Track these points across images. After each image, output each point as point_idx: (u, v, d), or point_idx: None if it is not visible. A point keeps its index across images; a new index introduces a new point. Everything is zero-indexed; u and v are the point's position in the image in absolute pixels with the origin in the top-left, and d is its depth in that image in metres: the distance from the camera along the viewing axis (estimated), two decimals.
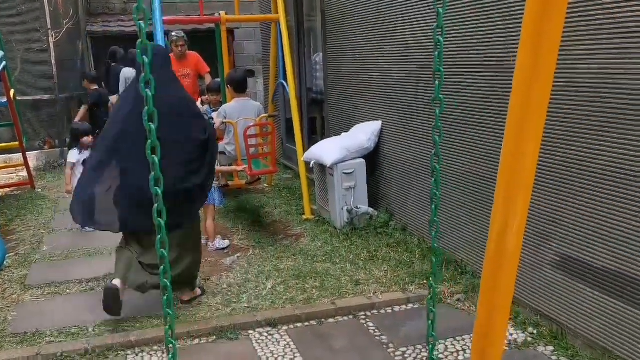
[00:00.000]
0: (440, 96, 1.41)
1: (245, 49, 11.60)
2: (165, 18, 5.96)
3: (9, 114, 7.31)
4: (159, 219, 1.31)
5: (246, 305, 4.12)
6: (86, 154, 5.68)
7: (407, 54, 5.02)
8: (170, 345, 1.48)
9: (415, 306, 4.10)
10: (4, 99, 6.99)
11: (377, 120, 5.70)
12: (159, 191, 1.27)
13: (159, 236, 1.34)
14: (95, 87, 8.74)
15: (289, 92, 6.45)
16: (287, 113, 8.16)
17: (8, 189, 7.69)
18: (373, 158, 5.71)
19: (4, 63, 6.69)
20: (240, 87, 5.91)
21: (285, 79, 6.83)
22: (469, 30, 4.13)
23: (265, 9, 8.45)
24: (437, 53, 1.33)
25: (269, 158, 5.95)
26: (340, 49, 6.39)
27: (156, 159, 1.25)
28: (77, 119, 8.45)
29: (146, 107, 1.23)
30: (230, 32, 10.68)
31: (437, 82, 1.37)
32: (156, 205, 1.29)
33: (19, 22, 8.85)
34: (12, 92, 7.15)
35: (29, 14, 8.83)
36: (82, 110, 8.69)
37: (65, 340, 3.66)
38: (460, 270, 4.44)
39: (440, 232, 4.76)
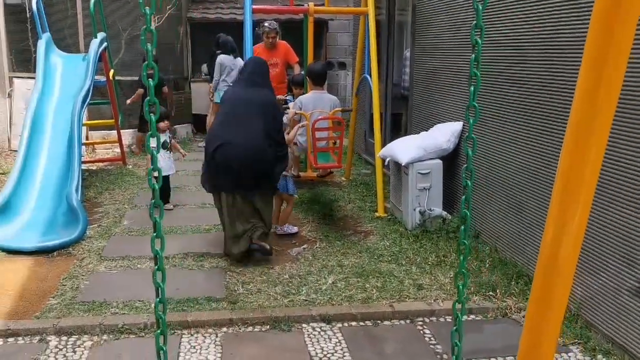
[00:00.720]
0: (475, 103, 1.29)
1: (338, 41, 11.57)
2: (254, 7, 6.05)
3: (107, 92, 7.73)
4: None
5: (304, 299, 4.11)
6: (163, 137, 5.89)
7: (494, 54, 4.78)
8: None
9: (477, 318, 3.91)
10: (104, 79, 7.39)
11: (458, 121, 5.49)
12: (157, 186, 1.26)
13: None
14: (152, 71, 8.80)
15: (371, 85, 6.36)
16: (372, 107, 8.07)
17: (102, 164, 8.15)
18: (451, 160, 5.51)
19: (105, 44, 7.07)
20: (318, 79, 5.90)
21: (370, 73, 6.74)
22: (524, 22, 3.86)
23: (359, 1, 8.38)
24: (473, 56, 1.21)
25: (337, 152, 5.88)
26: (428, 46, 6.21)
27: (155, 153, 1.24)
28: (129, 102, 8.58)
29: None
30: (324, 23, 10.71)
31: (472, 88, 1.25)
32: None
33: (126, 7, 9.33)
34: (111, 72, 7.54)
35: (134, 1, 9.29)
36: (137, 93, 8.70)
37: (128, 313, 3.82)
38: (531, 285, 4.17)
39: (512, 243, 4.52)
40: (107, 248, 4.97)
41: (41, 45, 6.55)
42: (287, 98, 7.35)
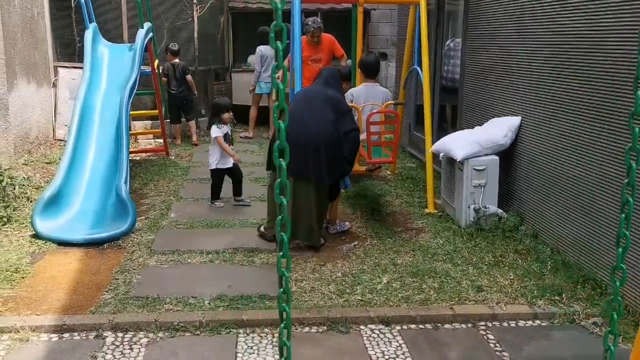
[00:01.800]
0: None
1: (380, 31, 11.35)
2: None
3: (151, 82, 7.71)
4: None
5: (359, 298, 3.99)
6: (226, 128, 5.77)
7: (559, 45, 4.56)
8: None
9: (543, 324, 3.74)
10: (148, 69, 7.35)
11: (515, 115, 5.27)
12: None
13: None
14: (175, 60, 8.56)
15: (422, 78, 6.17)
16: (417, 100, 7.88)
17: (145, 154, 8.15)
18: (508, 156, 5.31)
19: (150, 34, 7.03)
20: (370, 71, 5.74)
21: (419, 64, 6.55)
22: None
23: None
24: None
25: (390, 147, 5.72)
26: (482, 36, 5.98)
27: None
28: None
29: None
30: (367, 13, 10.50)
31: (638, 92, 1.09)
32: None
33: None
34: (156, 62, 7.51)
35: None
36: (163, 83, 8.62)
37: (182, 309, 3.75)
38: (599, 290, 3.98)
39: (576, 245, 4.31)
40: (157, 241, 4.92)
41: (88, 35, 6.53)
42: None
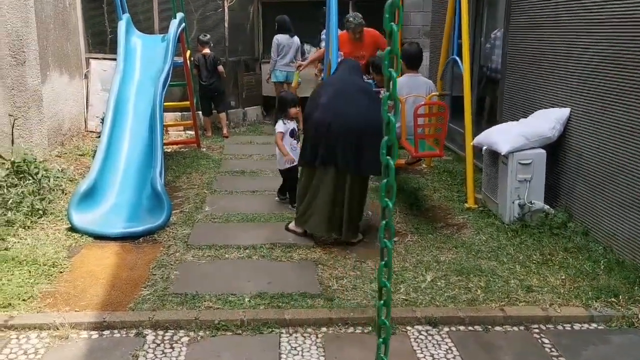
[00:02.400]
0: None
1: (412, 20, 11.10)
2: None
3: (183, 73, 7.62)
4: None
5: (404, 297, 3.84)
6: (292, 124, 5.46)
7: (612, 32, 4.33)
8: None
9: (600, 327, 3.55)
10: (180, 60, 7.26)
11: (563, 107, 5.05)
12: None
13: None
14: (205, 50, 8.44)
15: (462, 68, 5.97)
16: (453, 91, 7.65)
17: (176, 146, 8.08)
18: (555, 150, 5.09)
19: (183, 25, 6.93)
20: (413, 62, 5.56)
21: (458, 54, 6.35)
22: None
23: None
24: None
25: (436, 140, 5.53)
26: (526, 25, 5.75)
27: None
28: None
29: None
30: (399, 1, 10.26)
31: None
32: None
33: None
34: (188, 53, 7.42)
35: None
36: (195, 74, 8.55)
37: (222, 307, 3.65)
38: None
39: (632, 244, 4.09)
40: (193, 236, 4.83)
41: (121, 26, 6.46)
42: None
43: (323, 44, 9.26)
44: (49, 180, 5.73)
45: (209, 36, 8.57)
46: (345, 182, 4.54)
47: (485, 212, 5.43)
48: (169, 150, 7.90)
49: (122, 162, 5.41)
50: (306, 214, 4.71)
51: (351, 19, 7.03)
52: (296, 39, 9.34)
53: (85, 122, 8.65)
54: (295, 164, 5.24)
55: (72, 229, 4.80)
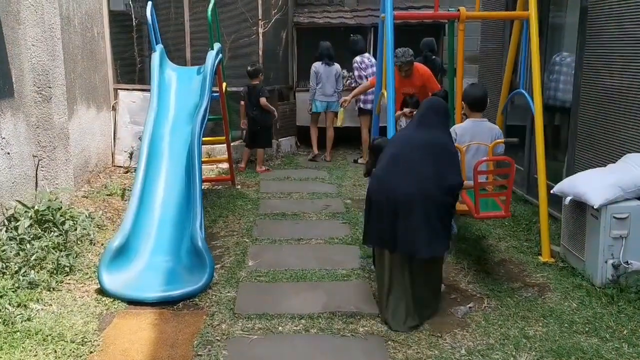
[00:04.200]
0: None
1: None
2: (397, 13, 5.19)
3: (218, 106, 7.10)
4: None
5: None
6: None
7: None
8: None
9: None
10: (217, 92, 6.75)
11: None
12: None
13: None
14: (254, 82, 8.11)
15: (532, 104, 5.34)
16: (509, 119, 7.02)
17: (209, 184, 7.54)
18: None
19: (220, 56, 6.42)
20: (477, 105, 4.91)
21: (525, 87, 5.74)
22: None
23: (492, 2, 7.36)
24: None
25: (503, 198, 4.82)
26: (606, 52, 5.13)
27: None
28: (242, 116, 8.25)
29: None
30: (442, 26, 9.73)
31: None
32: None
33: (231, 12, 8.71)
34: (224, 85, 6.90)
35: (242, 5, 8.65)
36: (241, 106, 8.25)
37: None
38: None
39: None
40: (239, 301, 4.22)
41: (155, 58, 5.96)
42: (400, 123, 6.38)
43: (356, 72, 8.75)
44: (76, 230, 5.20)
45: (257, 66, 8.20)
46: (409, 264, 3.88)
47: (568, 269, 4.77)
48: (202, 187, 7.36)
49: (157, 212, 4.85)
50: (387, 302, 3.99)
51: (400, 54, 6.50)
52: (335, 67, 8.83)
53: (112, 156, 8.18)
54: None
55: (103, 291, 4.24)
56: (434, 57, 8.64)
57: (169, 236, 4.66)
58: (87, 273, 4.64)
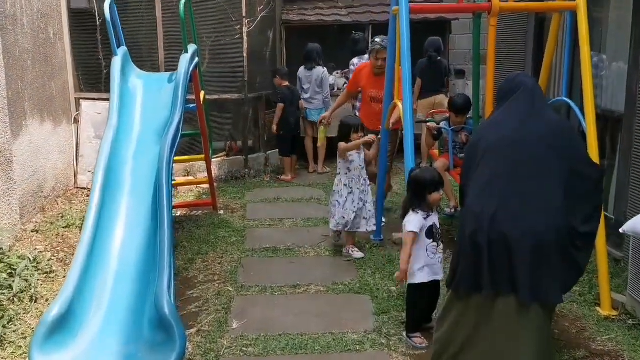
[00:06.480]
0: None
1: (457, 44, 9.51)
2: (413, 5, 4.15)
3: (196, 118, 6.01)
4: None
5: None
6: (432, 217, 3.58)
7: None
8: None
9: None
10: (193, 104, 5.66)
11: None
12: None
13: None
14: (286, 84, 7.69)
15: (581, 117, 4.34)
16: None
17: (187, 209, 6.43)
18: None
19: (196, 60, 5.35)
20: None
21: (568, 95, 4.74)
22: None
23: None
24: None
25: None
26: None
27: None
28: (275, 120, 7.64)
29: None
30: (448, 23, 8.73)
31: None
32: None
33: (211, 9, 7.61)
34: (202, 94, 5.82)
35: (223, 1, 7.55)
36: (278, 109, 7.62)
37: None
38: None
39: None
40: None
41: (116, 63, 4.88)
42: (441, 127, 5.41)
43: (351, 76, 7.73)
44: (13, 282, 4.11)
45: (286, 68, 7.88)
46: (517, 318, 2.75)
47: (637, 326, 3.75)
48: (178, 214, 6.27)
49: (113, 265, 3.74)
50: None
51: (378, 39, 5.49)
52: (317, 70, 7.78)
53: (75, 177, 7.05)
54: (429, 280, 3.58)
55: None
56: (439, 57, 7.67)
57: (127, 300, 3.55)
58: (21, 347, 3.55)
